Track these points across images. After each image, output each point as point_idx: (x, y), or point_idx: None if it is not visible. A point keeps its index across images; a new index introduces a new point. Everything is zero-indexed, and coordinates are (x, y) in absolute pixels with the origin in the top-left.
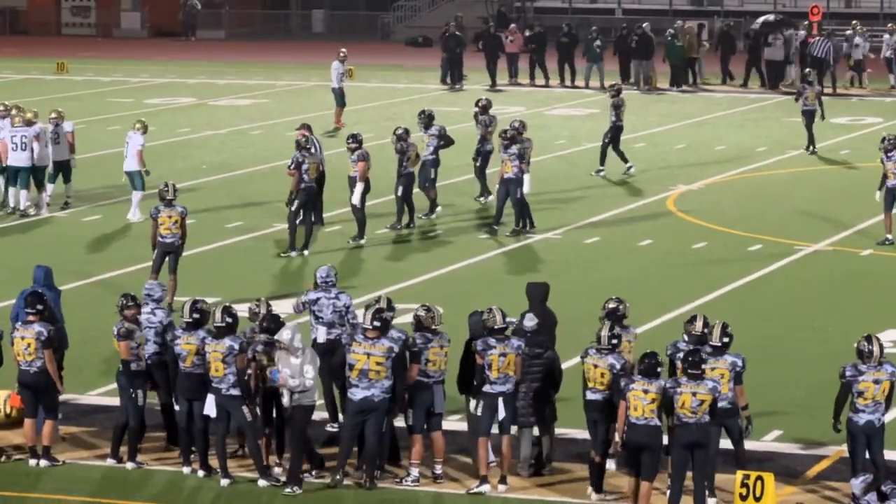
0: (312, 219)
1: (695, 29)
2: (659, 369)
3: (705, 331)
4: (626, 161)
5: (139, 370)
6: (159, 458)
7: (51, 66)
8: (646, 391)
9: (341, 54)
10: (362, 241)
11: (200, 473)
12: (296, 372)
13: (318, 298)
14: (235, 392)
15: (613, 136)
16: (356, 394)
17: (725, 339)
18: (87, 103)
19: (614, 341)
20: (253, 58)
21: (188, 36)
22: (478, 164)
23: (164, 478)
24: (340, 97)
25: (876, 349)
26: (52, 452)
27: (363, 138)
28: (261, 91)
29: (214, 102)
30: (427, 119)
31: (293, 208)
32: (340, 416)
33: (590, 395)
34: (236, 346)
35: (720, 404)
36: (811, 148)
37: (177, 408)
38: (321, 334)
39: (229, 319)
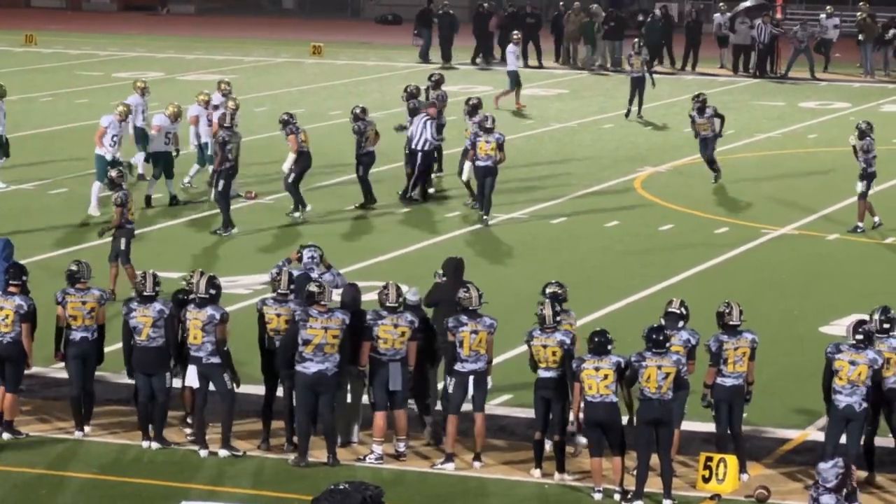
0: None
1: (583, 11)
2: (609, 346)
3: (682, 310)
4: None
5: (84, 338)
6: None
7: (19, 38)
8: (597, 368)
9: (515, 37)
10: (297, 215)
11: (154, 446)
12: None
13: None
14: (215, 360)
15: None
16: (310, 367)
17: (684, 310)
18: (55, 76)
19: (558, 318)
20: (222, 33)
21: (161, 9)
22: None
23: (125, 451)
24: (516, 79)
25: (855, 330)
26: (14, 426)
27: (287, 118)
28: (229, 67)
29: (183, 77)
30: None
31: (219, 188)
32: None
33: (543, 373)
34: (217, 316)
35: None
36: (638, 113)
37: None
38: None
39: (213, 291)
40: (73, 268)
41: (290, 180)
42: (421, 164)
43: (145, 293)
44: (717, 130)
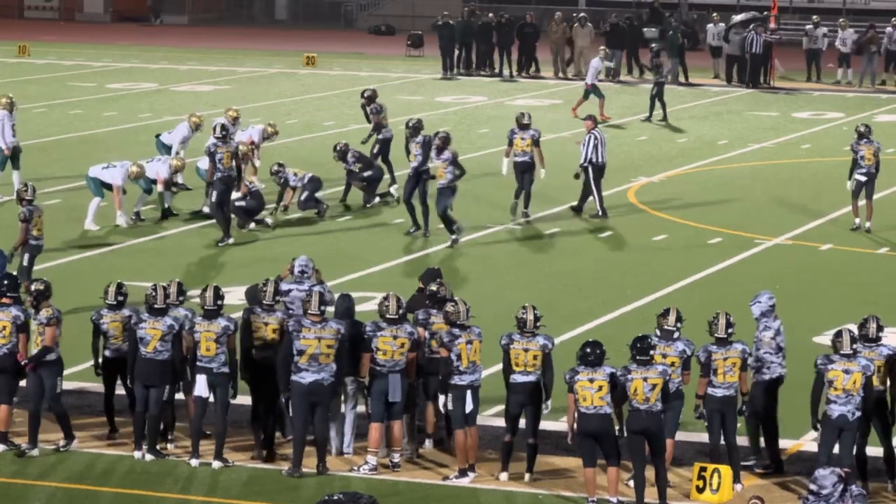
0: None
1: (560, 20)
2: (604, 358)
3: (678, 325)
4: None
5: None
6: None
7: (12, 49)
8: (591, 380)
9: (602, 52)
10: (229, 241)
11: (148, 457)
12: None
13: (290, 290)
14: (226, 370)
15: None
16: (306, 377)
17: (679, 325)
18: (48, 87)
19: (538, 324)
20: (215, 44)
21: (154, 20)
22: (374, 151)
23: (117, 462)
24: (594, 92)
25: (846, 340)
26: (9, 437)
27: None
28: (222, 77)
29: (176, 88)
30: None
31: (213, 199)
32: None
33: (520, 378)
34: (232, 326)
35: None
36: (653, 118)
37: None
38: None
39: (220, 302)
40: (42, 287)
41: (213, 200)
42: (594, 179)
43: (156, 306)
44: (451, 181)
